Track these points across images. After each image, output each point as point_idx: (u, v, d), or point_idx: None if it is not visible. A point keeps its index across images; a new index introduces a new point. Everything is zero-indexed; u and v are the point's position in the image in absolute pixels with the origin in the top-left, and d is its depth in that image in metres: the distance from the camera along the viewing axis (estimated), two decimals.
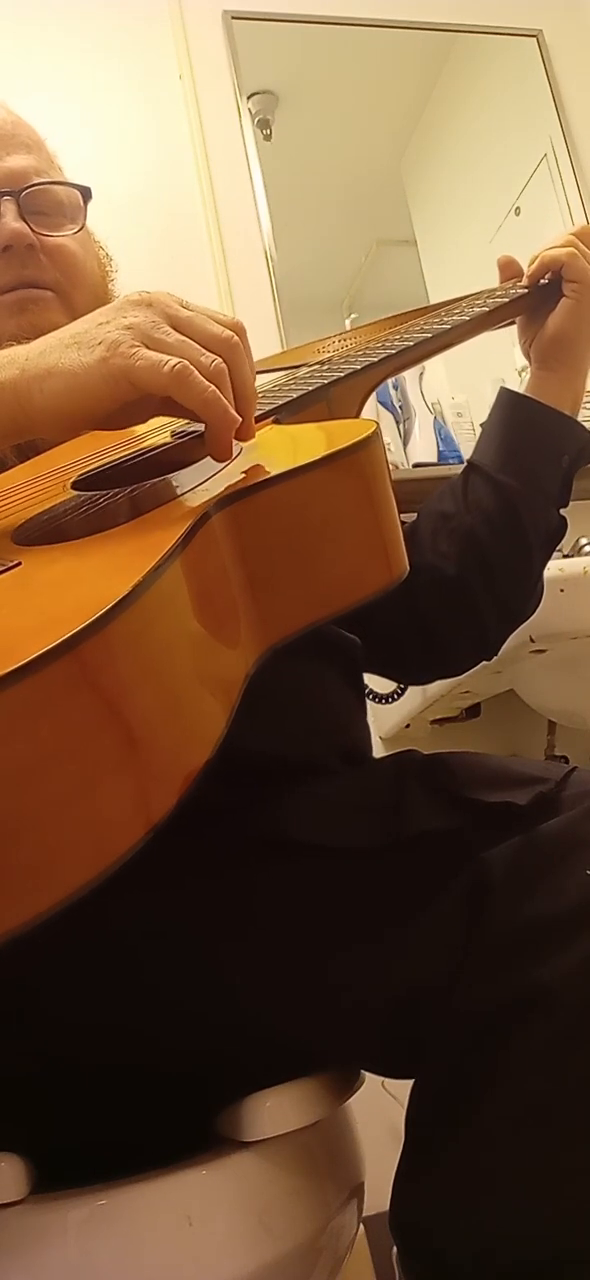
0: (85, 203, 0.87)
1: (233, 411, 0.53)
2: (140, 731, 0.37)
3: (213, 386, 0.52)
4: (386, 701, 1.48)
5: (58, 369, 0.53)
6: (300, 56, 2.01)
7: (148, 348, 0.52)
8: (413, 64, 2.10)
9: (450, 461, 1.73)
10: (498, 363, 1.78)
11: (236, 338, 0.55)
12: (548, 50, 2.13)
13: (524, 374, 1.68)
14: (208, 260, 1.78)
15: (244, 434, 0.55)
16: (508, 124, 2.11)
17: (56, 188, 0.85)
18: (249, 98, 1.92)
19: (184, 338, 0.54)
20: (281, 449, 0.59)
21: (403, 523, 0.56)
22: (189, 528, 0.44)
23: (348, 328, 1.42)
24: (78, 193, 0.86)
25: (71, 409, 0.53)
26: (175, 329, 0.54)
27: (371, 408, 0.81)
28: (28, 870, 0.33)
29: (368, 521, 0.53)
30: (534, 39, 2.13)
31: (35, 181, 0.83)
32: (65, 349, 0.54)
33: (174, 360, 0.51)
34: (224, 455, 0.54)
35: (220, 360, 0.53)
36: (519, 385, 0.95)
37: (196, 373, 0.51)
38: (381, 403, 1.73)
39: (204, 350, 0.53)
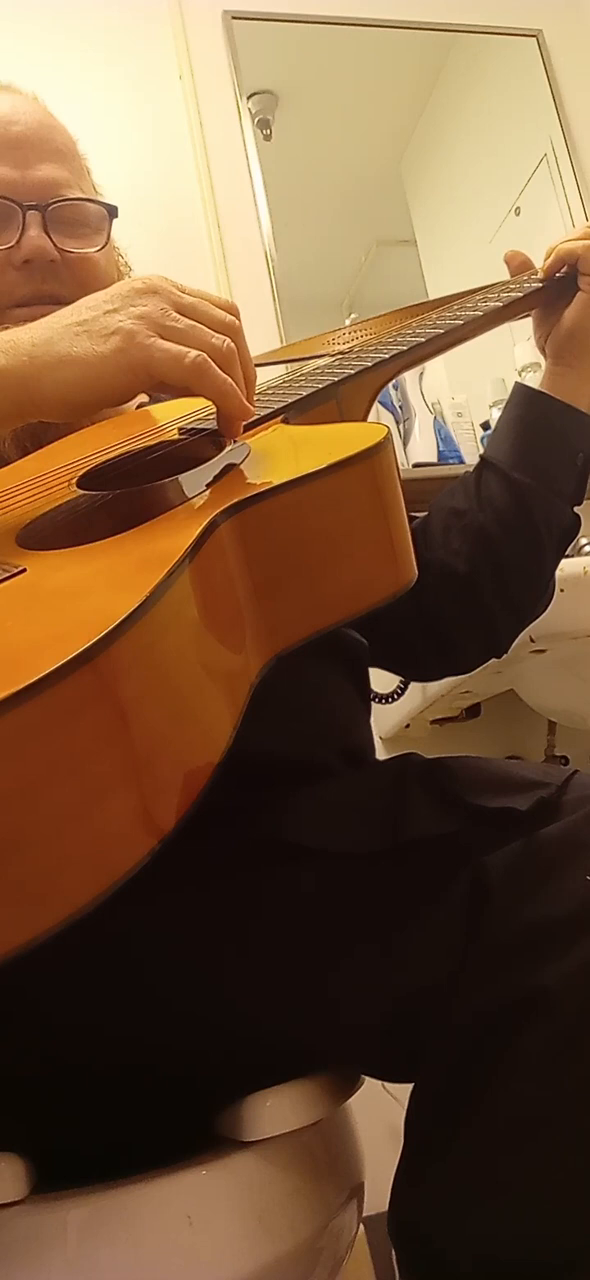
0: (110, 219, 0.86)
1: (245, 402, 0.55)
2: (147, 745, 0.36)
3: (229, 379, 0.54)
4: (386, 701, 1.47)
5: (70, 358, 0.53)
6: (300, 56, 2.01)
7: (163, 338, 0.53)
8: (413, 64, 2.10)
9: (450, 461, 1.73)
10: (498, 362, 1.79)
11: (237, 320, 0.57)
12: (548, 50, 2.13)
13: (524, 374, 1.69)
14: (208, 260, 1.78)
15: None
16: (508, 124, 2.11)
17: (83, 203, 0.85)
18: (249, 98, 1.92)
19: (192, 322, 0.55)
20: (290, 453, 0.59)
21: (412, 517, 0.56)
22: (197, 537, 0.44)
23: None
24: (104, 209, 0.86)
25: (83, 398, 0.54)
26: (181, 315, 0.55)
27: (372, 408, 0.80)
28: (35, 887, 0.33)
29: (377, 529, 0.52)
30: (534, 39, 2.13)
31: (63, 196, 0.82)
32: (74, 337, 0.54)
33: (193, 353, 0.53)
34: (234, 434, 0.58)
35: (230, 341, 0.55)
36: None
37: (214, 365, 0.53)
38: (381, 403, 1.72)
39: (213, 333, 0.55)
